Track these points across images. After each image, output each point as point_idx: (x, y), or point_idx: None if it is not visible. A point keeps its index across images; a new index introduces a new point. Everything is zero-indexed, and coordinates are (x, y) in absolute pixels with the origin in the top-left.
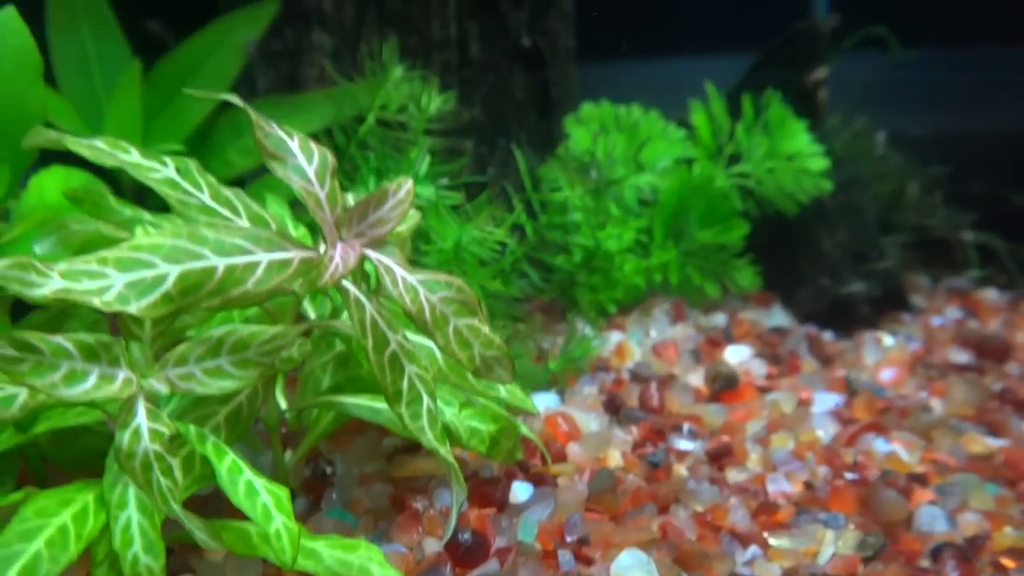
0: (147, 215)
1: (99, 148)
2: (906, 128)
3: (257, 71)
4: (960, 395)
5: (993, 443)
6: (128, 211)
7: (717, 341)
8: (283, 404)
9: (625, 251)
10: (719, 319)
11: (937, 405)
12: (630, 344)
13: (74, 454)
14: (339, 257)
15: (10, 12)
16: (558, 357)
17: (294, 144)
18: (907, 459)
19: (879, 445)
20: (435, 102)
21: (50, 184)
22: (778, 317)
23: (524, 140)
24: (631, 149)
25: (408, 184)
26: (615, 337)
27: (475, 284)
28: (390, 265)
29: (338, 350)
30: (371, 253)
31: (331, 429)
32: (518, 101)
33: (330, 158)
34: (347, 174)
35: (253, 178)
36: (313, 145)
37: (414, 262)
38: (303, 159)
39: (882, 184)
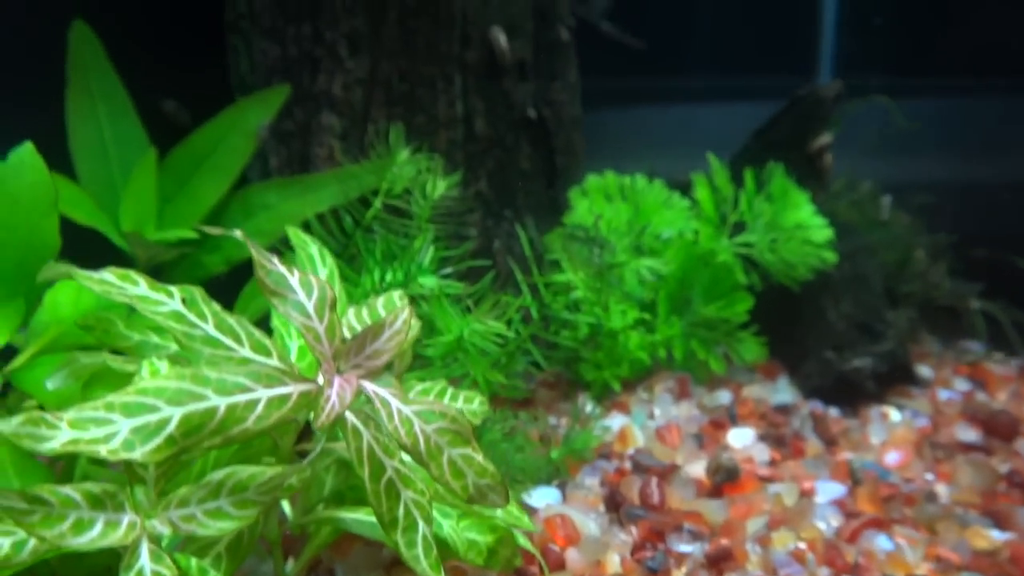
0: (155, 338)
1: (108, 282)
2: (912, 177)
3: (269, 149)
4: (966, 479)
5: (998, 537)
6: (136, 335)
7: (721, 423)
8: (287, 509)
9: (629, 327)
10: (723, 396)
11: (943, 491)
12: (633, 429)
13: (83, 571)
14: (336, 396)
15: (28, 148)
16: (560, 444)
17: (294, 280)
18: (910, 557)
19: (881, 542)
20: (439, 188)
21: (64, 299)
22: (783, 392)
23: (530, 209)
24: (636, 222)
25: (404, 314)
26: (618, 421)
27: (478, 374)
28: (386, 398)
29: (340, 453)
30: (367, 386)
31: (332, 538)
32: (524, 171)
33: (329, 291)
34: (353, 258)
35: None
36: (312, 279)
37: (416, 357)
38: (303, 294)
39: (888, 251)
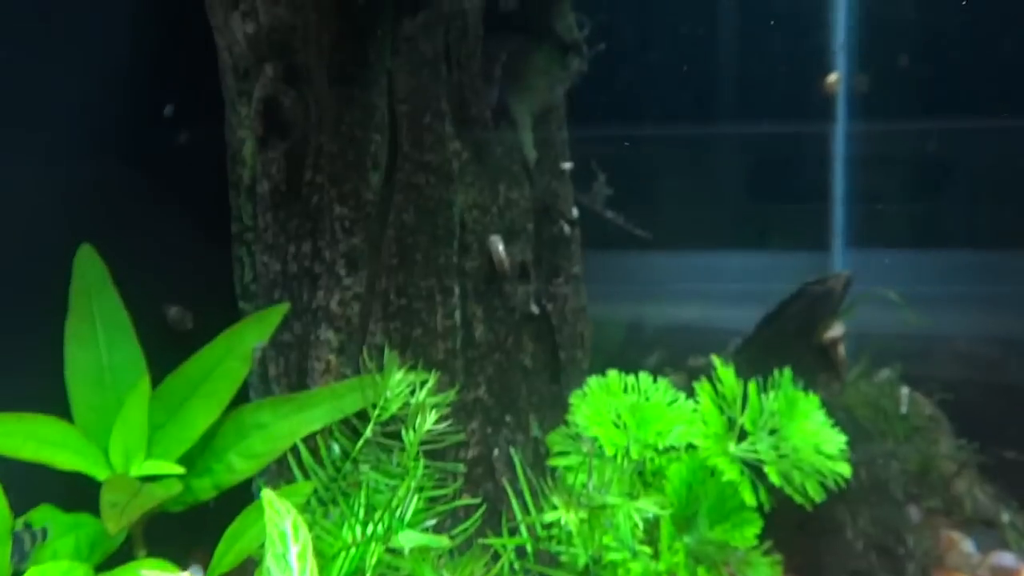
0: None
1: None
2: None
3: (269, 359)
4: None
5: None
6: None
7: None
8: None
9: (629, 558)
10: None
11: None
12: None
13: None
14: None
15: None
16: None
17: None
18: None
19: None
20: (428, 421)
21: None
22: None
23: (534, 408)
24: (640, 430)
25: None
26: None
27: None
28: None
29: None
30: None
31: None
32: (526, 369)
33: None
34: (342, 491)
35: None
36: None
37: None
38: None
39: (908, 454)
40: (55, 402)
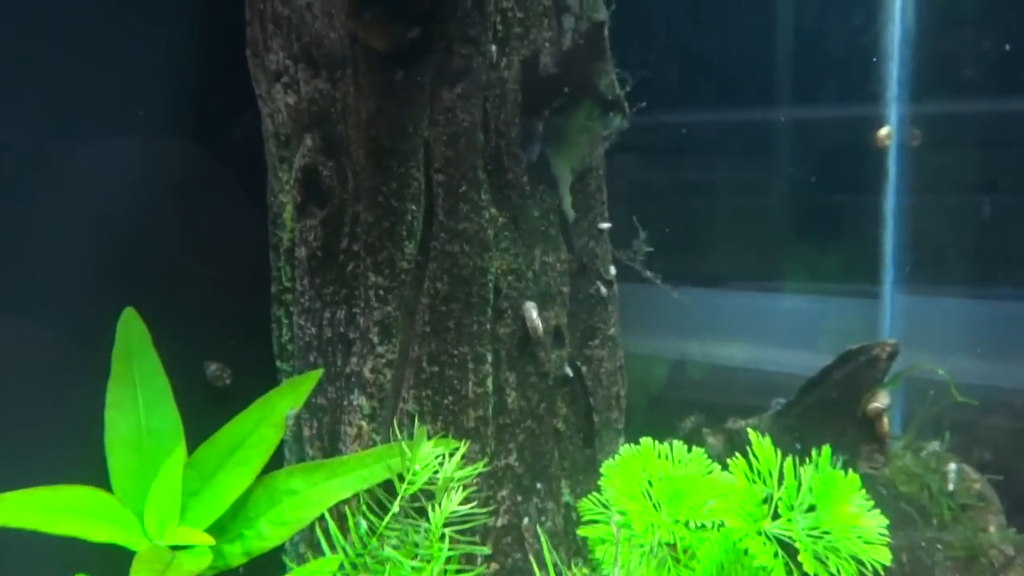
0: None
1: None
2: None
3: (302, 421)
4: None
5: None
6: None
7: None
8: None
9: None
10: None
11: None
12: None
13: None
14: None
15: None
16: None
17: None
18: None
19: None
20: (453, 502)
21: None
22: None
23: (566, 473)
24: (672, 503)
25: None
26: None
27: None
28: None
29: None
30: None
31: None
32: (559, 433)
33: None
34: (366, 566)
35: None
36: None
37: None
38: None
39: (954, 538)
40: (96, 465)
